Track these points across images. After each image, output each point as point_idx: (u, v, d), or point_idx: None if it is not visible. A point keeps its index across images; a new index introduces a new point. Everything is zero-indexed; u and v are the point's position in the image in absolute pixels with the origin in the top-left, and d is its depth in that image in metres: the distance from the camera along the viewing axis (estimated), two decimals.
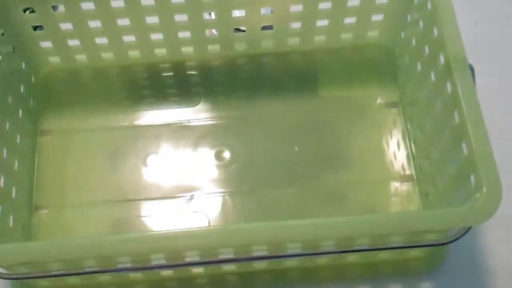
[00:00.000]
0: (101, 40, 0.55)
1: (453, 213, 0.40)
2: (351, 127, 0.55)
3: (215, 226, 0.51)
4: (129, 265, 0.44)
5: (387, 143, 0.54)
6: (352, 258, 0.49)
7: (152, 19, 0.53)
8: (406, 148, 0.54)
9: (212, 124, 0.56)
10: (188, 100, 0.57)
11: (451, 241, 0.43)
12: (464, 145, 0.42)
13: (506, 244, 0.50)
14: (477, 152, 0.41)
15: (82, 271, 0.44)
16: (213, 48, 0.58)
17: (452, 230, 0.43)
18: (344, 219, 0.41)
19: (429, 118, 0.49)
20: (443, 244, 0.43)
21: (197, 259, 0.44)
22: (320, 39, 0.57)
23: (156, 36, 0.56)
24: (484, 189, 0.39)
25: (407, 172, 0.53)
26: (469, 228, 0.42)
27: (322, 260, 0.49)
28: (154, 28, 0.54)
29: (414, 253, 0.49)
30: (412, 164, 0.53)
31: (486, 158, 0.40)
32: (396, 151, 0.54)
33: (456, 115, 0.43)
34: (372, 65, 0.58)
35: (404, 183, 0.53)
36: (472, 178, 0.41)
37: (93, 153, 0.55)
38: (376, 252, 0.48)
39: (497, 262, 0.50)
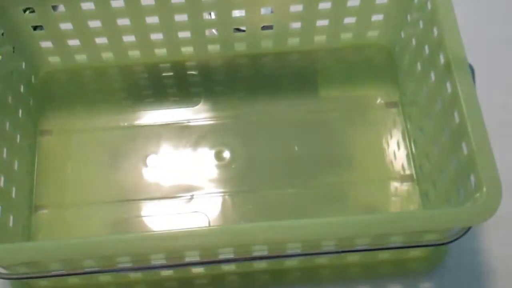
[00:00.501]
0: (101, 40, 0.55)
1: (453, 213, 0.40)
2: (351, 127, 0.55)
3: (215, 226, 0.51)
4: (129, 265, 0.44)
5: (387, 143, 0.54)
6: (352, 258, 0.49)
7: (152, 19, 0.53)
8: (406, 148, 0.54)
9: (212, 124, 0.56)
10: (188, 100, 0.57)
11: (451, 241, 0.43)
12: (464, 145, 0.42)
13: (506, 244, 0.50)
14: (477, 152, 0.41)
15: (82, 271, 0.44)
16: (213, 48, 0.58)
17: (452, 230, 0.43)
18: (344, 219, 0.41)
19: (429, 118, 0.49)
20: (443, 244, 0.43)
21: (197, 259, 0.44)
22: (320, 39, 0.57)
23: (156, 36, 0.56)
24: (484, 189, 0.39)
25: (407, 172, 0.53)
26: (469, 228, 0.42)
27: (322, 260, 0.49)
28: (154, 28, 0.54)
29: (414, 253, 0.49)
30: (412, 164, 0.53)
31: (486, 158, 0.40)
32: (396, 151, 0.54)
33: (456, 115, 0.43)
34: (372, 65, 0.58)
35: (404, 183, 0.53)
36: (472, 178, 0.41)
37: (93, 153, 0.55)
38: (376, 252, 0.48)
39: (497, 262, 0.49)
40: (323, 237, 0.42)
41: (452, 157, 0.45)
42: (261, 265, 0.49)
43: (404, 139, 0.54)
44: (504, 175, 0.40)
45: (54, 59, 0.57)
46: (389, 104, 0.56)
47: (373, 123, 0.55)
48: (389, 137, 0.55)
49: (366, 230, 0.40)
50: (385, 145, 0.54)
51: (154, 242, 0.40)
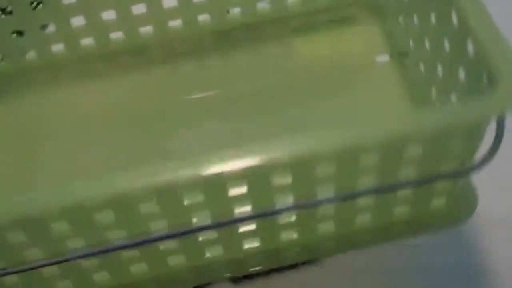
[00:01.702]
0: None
1: (477, 103, 0.32)
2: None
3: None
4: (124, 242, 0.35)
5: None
6: (362, 219, 0.40)
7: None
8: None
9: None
10: None
11: (477, 168, 0.36)
12: (470, 43, 0.37)
13: (506, 244, 0.47)
14: (486, 43, 0.35)
15: (62, 258, 0.34)
16: None
17: (473, 160, 0.36)
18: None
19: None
20: (468, 172, 0.37)
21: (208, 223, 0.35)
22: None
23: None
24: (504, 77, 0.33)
25: None
26: (494, 152, 0.35)
27: (324, 228, 0.41)
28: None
29: (435, 202, 0.40)
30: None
31: (499, 45, 0.35)
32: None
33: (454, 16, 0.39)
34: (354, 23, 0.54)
35: None
36: (485, 76, 0.35)
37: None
38: (389, 209, 0.40)
39: (497, 262, 0.47)
40: (320, 152, 0.33)
41: (459, 62, 0.39)
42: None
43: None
44: (504, 175, 0.41)
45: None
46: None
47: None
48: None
49: (378, 135, 0.32)
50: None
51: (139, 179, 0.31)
